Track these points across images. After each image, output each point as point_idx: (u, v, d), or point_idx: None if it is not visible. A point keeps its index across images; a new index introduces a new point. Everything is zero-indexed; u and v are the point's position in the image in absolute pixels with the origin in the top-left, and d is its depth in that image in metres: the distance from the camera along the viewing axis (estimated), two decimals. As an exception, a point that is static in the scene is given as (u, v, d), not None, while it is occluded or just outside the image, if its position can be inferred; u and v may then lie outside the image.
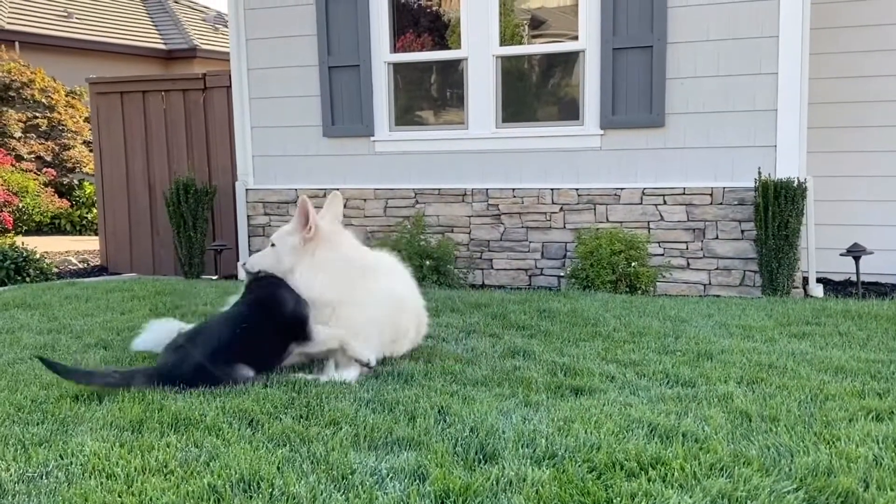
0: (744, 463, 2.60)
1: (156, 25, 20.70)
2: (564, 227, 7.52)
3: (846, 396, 3.34)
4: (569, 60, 7.61)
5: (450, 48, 7.88)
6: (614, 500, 2.33)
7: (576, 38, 7.38)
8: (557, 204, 7.55)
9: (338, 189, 8.20)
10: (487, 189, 7.72)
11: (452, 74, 7.99)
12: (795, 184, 6.60)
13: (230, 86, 8.59)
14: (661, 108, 7.10)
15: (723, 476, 2.51)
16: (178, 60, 19.43)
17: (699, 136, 7.08)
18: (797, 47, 6.68)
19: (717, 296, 6.87)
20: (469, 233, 7.81)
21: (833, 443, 2.79)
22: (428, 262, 7.03)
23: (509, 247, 7.70)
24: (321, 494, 2.40)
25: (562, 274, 7.45)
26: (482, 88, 7.65)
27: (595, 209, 7.44)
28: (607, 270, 6.78)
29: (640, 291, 6.83)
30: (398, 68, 8.05)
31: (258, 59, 8.37)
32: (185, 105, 9.34)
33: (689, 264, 7.19)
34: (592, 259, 6.88)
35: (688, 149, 7.12)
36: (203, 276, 8.59)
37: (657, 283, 7.06)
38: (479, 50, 7.62)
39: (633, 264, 6.83)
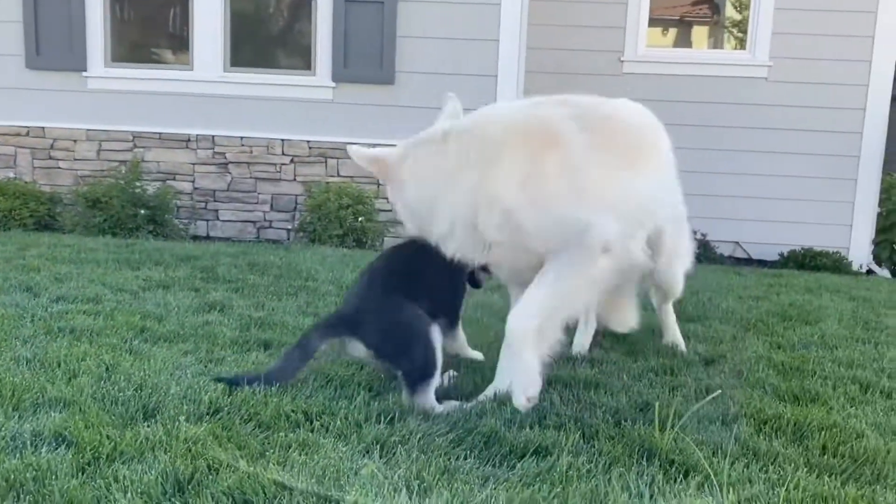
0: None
1: None
2: (295, 179, 7.39)
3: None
4: (302, 6, 7.43)
5: (176, -19, 7.35)
6: (269, 451, 2.31)
7: (309, -16, 7.21)
8: (288, 155, 7.39)
9: (43, 127, 7.42)
10: (214, 136, 7.36)
11: (179, 10, 7.47)
12: (511, 147, 7.00)
13: None
14: (391, 65, 7.17)
15: (382, 423, 2.58)
16: None
17: (427, 97, 7.18)
18: (517, 17, 7.04)
19: (439, 251, 7.14)
20: (193, 181, 7.41)
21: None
22: (143, 212, 6.59)
23: (237, 198, 7.43)
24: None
25: (291, 227, 7.34)
26: (210, 28, 7.21)
27: (326, 163, 7.38)
28: (335, 224, 6.79)
29: (367, 246, 6.91)
30: (116, -2, 7.37)
31: (-57, -29, 7.23)
32: None
33: (414, 220, 7.39)
34: (320, 213, 6.85)
35: (416, 108, 7.24)
36: None
37: (385, 239, 7.19)
38: (207, -13, 7.17)
39: (360, 219, 6.89)
